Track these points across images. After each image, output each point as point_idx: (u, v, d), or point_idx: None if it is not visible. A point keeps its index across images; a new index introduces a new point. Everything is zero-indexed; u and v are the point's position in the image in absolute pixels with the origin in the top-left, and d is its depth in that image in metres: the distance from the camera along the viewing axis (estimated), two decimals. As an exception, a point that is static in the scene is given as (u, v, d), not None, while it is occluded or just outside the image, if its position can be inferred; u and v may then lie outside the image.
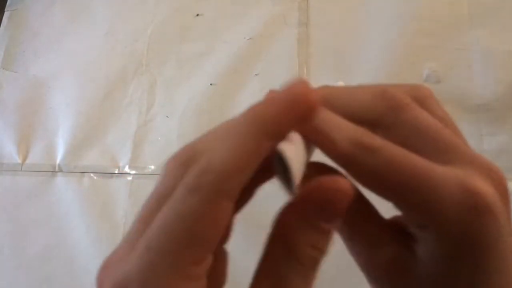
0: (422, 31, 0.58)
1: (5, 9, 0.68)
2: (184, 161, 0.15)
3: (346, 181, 0.15)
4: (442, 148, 0.16)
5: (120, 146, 0.58)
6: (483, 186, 0.15)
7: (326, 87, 0.18)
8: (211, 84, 0.59)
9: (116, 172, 0.57)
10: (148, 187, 0.55)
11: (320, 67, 0.59)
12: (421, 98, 0.17)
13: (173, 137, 0.57)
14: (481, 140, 0.53)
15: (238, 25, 0.62)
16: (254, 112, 0.15)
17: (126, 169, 0.57)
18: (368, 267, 0.17)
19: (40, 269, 0.54)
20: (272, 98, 0.15)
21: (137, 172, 0.56)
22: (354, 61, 0.58)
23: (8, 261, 0.54)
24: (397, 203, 0.16)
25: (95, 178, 0.57)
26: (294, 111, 0.14)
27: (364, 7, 0.61)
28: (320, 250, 0.15)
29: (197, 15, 0.64)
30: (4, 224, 0.56)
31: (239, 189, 0.14)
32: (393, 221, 0.18)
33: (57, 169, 0.58)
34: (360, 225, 0.18)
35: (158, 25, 0.64)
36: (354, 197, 0.15)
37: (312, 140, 0.17)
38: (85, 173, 0.57)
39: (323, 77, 0.58)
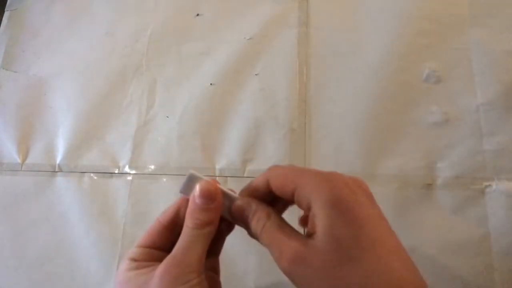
0: (422, 31, 0.58)
1: (5, 9, 0.68)
2: None
3: (213, 184, 0.31)
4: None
5: (120, 146, 0.58)
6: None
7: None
8: (211, 84, 0.59)
9: (116, 172, 0.57)
10: (148, 187, 0.55)
11: (320, 67, 0.59)
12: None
13: (173, 137, 0.57)
14: (481, 140, 0.53)
15: (238, 25, 0.62)
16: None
17: (126, 169, 0.57)
18: (279, 262, 0.27)
19: (40, 269, 0.54)
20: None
21: (137, 172, 0.56)
22: (354, 61, 0.58)
23: (8, 261, 0.54)
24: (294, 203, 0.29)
25: (95, 178, 0.57)
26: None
27: (364, 7, 0.61)
28: (201, 221, 0.29)
29: (197, 15, 0.64)
30: (4, 224, 0.56)
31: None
32: (302, 221, 0.31)
33: (57, 169, 0.58)
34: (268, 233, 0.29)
35: (158, 25, 0.64)
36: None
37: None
38: (85, 173, 0.57)
39: (323, 77, 0.58)
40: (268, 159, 0.55)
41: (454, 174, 0.52)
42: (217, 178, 0.55)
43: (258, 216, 0.29)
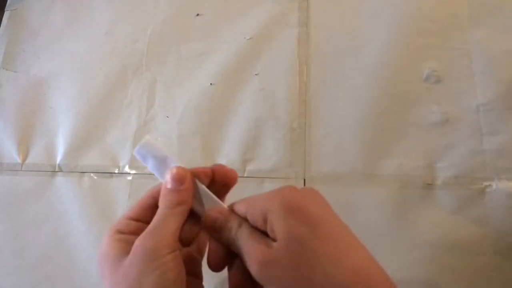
0: (422, 31, 0.58)
1: (5, 9, 0.68)
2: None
3: (183, 168, 0.33)
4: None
5: (120, 146, 0.58)
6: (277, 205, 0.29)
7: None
8: (211, 84, 0.59)
9: (116, 172, 0.57)
10: (148, 187, 0.55)
11: (320, 67, 0.59)
12: None
13: (173, 137, 0.57)
14: (481, 140, 0.53)
15: (238, 25, 0.62)
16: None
17: (126, 169, 0.57)
18: (250, 266, 0.29)
19: (40, 269, 0.54)
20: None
21: (137, 172, 0.56)
22: (354, 61, 0.58)
23: (8, 261, 0.54)
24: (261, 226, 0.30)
25: (95, 178, 0.57)
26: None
27: (364, 7, 0.61)
28: (172, 202, 0.32)
29: (197, 15, 0.64)
30: (4, 224, 0.56)
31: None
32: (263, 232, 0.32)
33: (57, 169, 0.58)
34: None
35: (158, 25, 0.64)
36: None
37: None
38: (85, 173, 0.57)
39: (323, 77, 0.58)
40: (268, 159, 0.55)
41: (454, 174, 0.52)
42: (217, 178, 0.55)
43: (230, 225, 0.31)
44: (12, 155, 0.59)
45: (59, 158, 0.58)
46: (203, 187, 0.34)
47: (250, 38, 0.61)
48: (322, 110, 0.57)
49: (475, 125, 0.54)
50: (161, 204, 0.32)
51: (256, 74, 0.59)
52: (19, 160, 0.59)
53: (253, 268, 0.28)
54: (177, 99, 0.59)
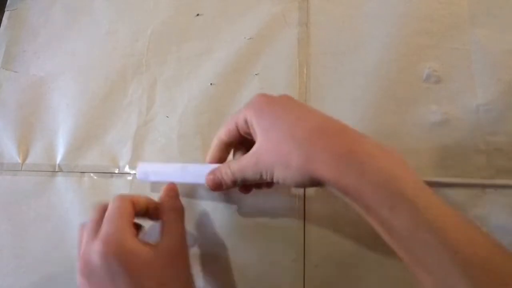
0: (422, 31, 0.58)
1: (5, 9, 0.68)
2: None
3: (171, 183, 0.47)
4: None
5: (120, 146, 0.58)
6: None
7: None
8: (211, 84, 0.59)
9: (116, 172, 0.57)
10: (148, 187, 0.55)
11: (320, 67, 0.59)
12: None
13: (173, 137, 0.57)
14: (481, 140, 0.53)
15: (238, 25, 0.62)
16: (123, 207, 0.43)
17: (126, 169, 0.57)
18: (253, 174, 0.38)
19: (40, 269, 0.54)
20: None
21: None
22: (354, 61, 0.58)
23: (8, 261, 0.54)
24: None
25: (95, 178, 0.57)
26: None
27: (365, 7, 0.61)
28: (173, 206, 0.44)
29: (197, 15, 0.64)
30: (4, 224, 0.56)
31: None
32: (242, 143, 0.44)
33: (57, 169, 0.58)
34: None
35: (158, 25, 0.64)
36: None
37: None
38: (85, 173, 0.57)
39: (323, 77, 0.58)
40: (268, 159, 0.55)
41: (454, 174, 0.52)
42: (217, 178, 0.55)
43: (223, 172, 0.41)
44: (12, 155, 0.59)
45: (59, 158, 0.58)
46: (189, 169, 0.47)
47: (250, 38, 0.61)
48: (322, 110, 0.57)
49: (475, 125, 0.54)
50: (168, 208, 0.43)
51: (256, 74, 0.59)
52: (19, 160, 0.59)
53: (255, 171, 0.37)
54: (177, 99, 0.59)
